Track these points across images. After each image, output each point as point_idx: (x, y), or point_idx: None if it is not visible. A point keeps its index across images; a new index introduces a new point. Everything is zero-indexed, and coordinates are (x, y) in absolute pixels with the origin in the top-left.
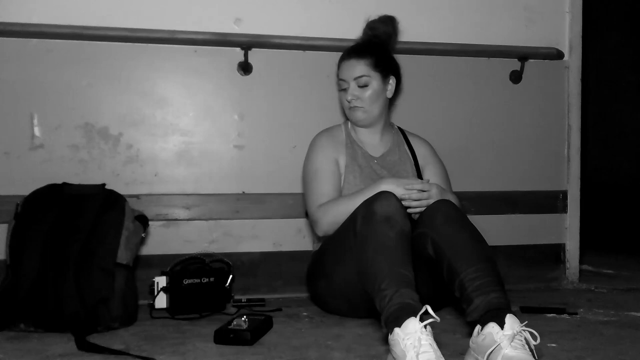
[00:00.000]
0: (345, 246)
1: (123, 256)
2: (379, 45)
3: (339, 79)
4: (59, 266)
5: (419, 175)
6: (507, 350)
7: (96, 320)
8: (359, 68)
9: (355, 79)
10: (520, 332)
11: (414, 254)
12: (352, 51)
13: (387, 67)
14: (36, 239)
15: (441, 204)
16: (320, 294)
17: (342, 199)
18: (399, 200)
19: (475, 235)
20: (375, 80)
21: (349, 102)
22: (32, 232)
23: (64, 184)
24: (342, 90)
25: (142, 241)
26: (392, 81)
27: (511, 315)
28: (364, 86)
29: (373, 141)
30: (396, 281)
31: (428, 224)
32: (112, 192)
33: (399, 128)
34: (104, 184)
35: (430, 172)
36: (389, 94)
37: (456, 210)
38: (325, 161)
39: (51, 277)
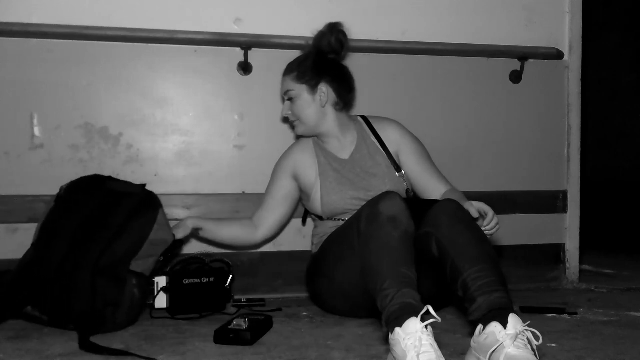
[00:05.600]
0: (348, 245)
1: (140, 265)
2: (307, 57)
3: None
4: (80, 261)
5: (394, 163)
6: (510, 349)
7: (102, 323)
8: (285, 84)
9: (285, 94)
10: (523, 331)
11: (418, 254)
12: (285, 69)
13: (314, 76)
14: (69, 227)
15: (446, 204)
16: (321, 294)
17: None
18: (404, 201)
19: (479, 235)
20: (302, 92)
21: (286, 118)
22: (65, 220)
23: (109, 177)
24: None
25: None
26: (324, 88)
27: (514, 315)
28: (291, 99)
29: (338, 146)
30: (398, 281)
31: (432, 223)
32: (150, 196)
33: (364, 117)
34: (144, 185)
35: (406, 154)
36: (322, 103)
37: (461, 211)
38: (280, 173)
39: (68, 271)
